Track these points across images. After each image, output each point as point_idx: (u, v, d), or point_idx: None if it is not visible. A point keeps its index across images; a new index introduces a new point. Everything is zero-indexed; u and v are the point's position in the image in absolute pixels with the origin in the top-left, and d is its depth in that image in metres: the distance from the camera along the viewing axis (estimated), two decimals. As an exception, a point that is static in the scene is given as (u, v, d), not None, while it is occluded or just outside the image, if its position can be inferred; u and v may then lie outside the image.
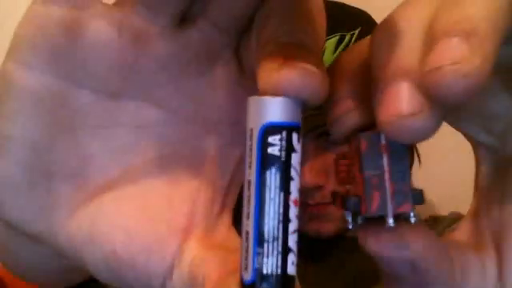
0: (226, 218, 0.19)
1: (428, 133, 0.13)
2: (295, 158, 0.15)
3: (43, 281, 0.31)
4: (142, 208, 0.17)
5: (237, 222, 0.17)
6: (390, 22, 0.15)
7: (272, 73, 0.15)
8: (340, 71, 0.17)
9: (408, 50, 0.14)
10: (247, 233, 0.15)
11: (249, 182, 0.15)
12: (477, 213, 0.20)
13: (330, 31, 0.59)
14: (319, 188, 0.57)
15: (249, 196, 0.15)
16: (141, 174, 0.18)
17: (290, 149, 0.15)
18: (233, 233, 0.19)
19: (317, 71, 0.15)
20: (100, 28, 0.16)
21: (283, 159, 0.15)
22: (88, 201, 0.17)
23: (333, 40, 0.58)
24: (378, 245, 0.16)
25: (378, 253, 0.16)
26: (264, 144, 0.15)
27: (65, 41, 0.16)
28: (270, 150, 0.15)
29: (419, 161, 0.69)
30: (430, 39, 0.13)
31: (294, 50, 0.15)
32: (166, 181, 0.18)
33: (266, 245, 0.15)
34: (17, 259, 0.23)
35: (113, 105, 0.17)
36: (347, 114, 0.16)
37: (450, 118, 0.19)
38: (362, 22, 0.62)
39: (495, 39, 0.13)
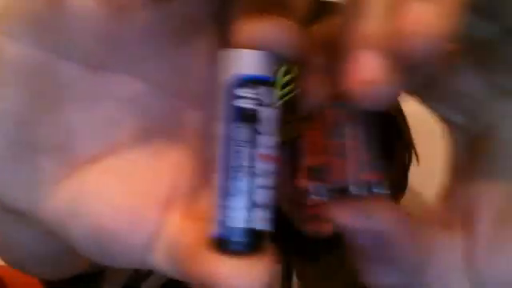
0: (209, 194, 0.19)
1: (390, 99, 0.13)
2: (265, 112, 0.15)
3: (31, 267, 0.30)
4: (126, 181, 0.17)
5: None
6: None
7: (245, 25, 0.15)
8: (311, 44, 0.17)
9: (372, 16, 0.14)
10: (214, 186, 0.15)
11: (217, 134, 0.15)
12: (448, 192, 0.20)
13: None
14: None
15: (216, 149, 0.15)
16: (125, 147, 0.18)
17: (259, 102, 0.15)
18: None
19: (292, 25, 0.15)
20: (82, 1, 0.16)
21: (252, 113, 0.15)
22: (73, 174, 0.17)
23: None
24: (344, 214, 0.16)
25: (344, 223, 0.16)
26: (233, 97, 0.15)
27: (48, 12, 0.16)
28: (238, 102, 0.15)
29: (417, 160, 0.69)
30: (393, 5, 0.13)
31: (269, 4, 0.15)
32: (150, 153, 0.18)
33: (231, 198, 0.15)
34: (5, 240, 0.23)
35: (98, 78, 0.17)
36: (316, 87, 0.16)
37: (423, 97, 0.20)
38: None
39: (459, 2, 0.13)
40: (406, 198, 0.71)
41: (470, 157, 0.19)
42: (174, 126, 0.18)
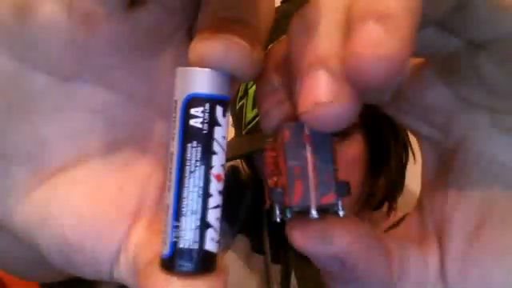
0: None
1: (345, 121, 0.13)
2: (219, 132, 0.15)
3: (20, 272, 0.31)
4: (94, 192, 0.17)
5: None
6: (305, 10, 0.15)
7: (198, 43, 0.15)
8: (270, 63, 0.17)
9: (323, 38, 0.14)
10: (167, 206, 0.15)
11: (171, 153, 0.15)
12: (422, 206, 0.20)
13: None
14: None
15: (170, 168, 0.15)
16: (95, 157, 0.18)
17: (213, 122, 0.14)
18: None
19: (244, 45, 0.14)
20: (50, 10, 0.16)
21: (205, 132, 0.14)
22: (43, 182, 0.17)
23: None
24: (301, 239, 0.16)
25: (301, 247, 0.16)
26: (186, 116, 0.14)
27: (15, 23, 0.16)
28: (192, 121, 0.14)
29: (414, 158, 0.69)
30: (347, 25, 0.13)
31: (227, 24, 0.15)
32: (118, 165, 0.18)
33: (183, 219, 0.14)
34: None
35: (67, 88, 0.17)
36: (275, 107, 0.16)
37: (391, 110, 0.19)
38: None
39: (411, 21, 0.12)
40: (404, 198, 0.71)
41: (443, 170, 0.19)
42: (142, 137, 0.19)
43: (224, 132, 0.15)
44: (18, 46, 0.16)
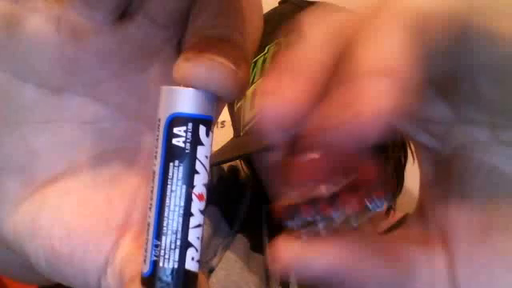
0: None
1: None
2: (202, 152, 0.15)
3: (15, 276, 0.31)
4: (83, 204, 0.18)
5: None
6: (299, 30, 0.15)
7: (181, 63, 0.15)
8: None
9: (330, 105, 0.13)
10: (149, 224, 0.15)
11: (154, 172, 0.15)
12: (423, 210, 0.19)
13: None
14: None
15: (152, 187, 0.15)
16: (84, 169, 0.18)
17: (196, 141, 0.15)
18: None
19: (228, 65, 0.15)
20: (38, 23, 0.16)
21: (188, 151, 0.14)
22: (32, 193, 0.17)
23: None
24: (281, 260, 0.16)
25: (284, 265, 0.16)
26: (169, 135, 0.14)
27: (5, 35, 0.16)
28: (174, 141, 0.14)
29: (413, 158, 0.69)
30: (350, 76, 0.13)
31: (213, 43, 0.15)
32: (107, 177, 0.18)
33: (164, 238, 0.14)
34: None
35: (57, 100, 0.17)
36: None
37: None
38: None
39: (414, 72, 0.13)
40: (403, 198, 0.71)
41: (442, 175, 0.19)
42: (131, 150, 0.19)
43: (207, 151, 0.15)
44: (7, 58, 0.16)
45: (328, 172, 0.15)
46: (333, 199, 0.15)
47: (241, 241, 0.67)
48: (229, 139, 0.68)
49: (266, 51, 0.61)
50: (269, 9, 0.68)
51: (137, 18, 0.17)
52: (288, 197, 0.15)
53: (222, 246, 0.65)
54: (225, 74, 0.15)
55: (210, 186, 0.15)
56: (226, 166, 0.75)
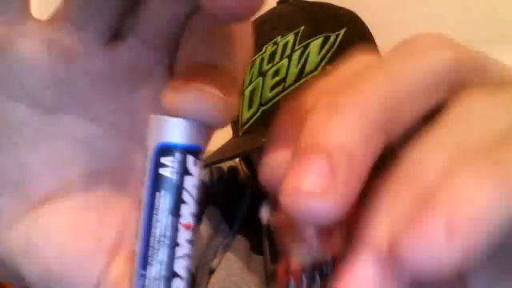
0: None
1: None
2: (189, 182, 0.15)
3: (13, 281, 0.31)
4: (75, 223, 0.18)
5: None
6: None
7: (169, 93, 0.15)
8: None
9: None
10: (135, 254, 0.15)
11: (140, 201, 0.15)
12: None
13: (315, 32, 0.59)
14: None
15: (139, 216, 0.15)
16: (77, 188, 0.18)
17: (183, 171, 0.14)
18: None
19: (216, 94, 0.14)
20: (29, 46, 0.16)
21: (175, 181, 0.14)
22: (26, 212, 0.18)
23: (317, 41, 0.58)
24: None
25: None
26: (156, 164, 0.14)
27: None
28: (161, 170, 0.14)
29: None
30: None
31: (201, 70, 0.15)
32: (100, 196, 0.18)
33: (150, 267, 0.14)
34: None
35: (49, 119, 0.17)
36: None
37: None
38: (347, 22, 0.62)
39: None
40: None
41: None
42: (124, 169, 0.19)
43: (195, 181, 0.15)
44: (1, 80, 0.16)
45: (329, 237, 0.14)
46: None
47: (241, 241, 0.67)
48: (228, 139, 0.67)
49: (263, 51, 0.61)
50: (267, 9, 0.68)
51: (128, 39, 0.17)
52: (292, 255, 0.15)
53: (222, 247, 0.65)
54: (213, 103, 0.14)
55: (199, 212, 0.15)
56: (225, 167, 0.75)
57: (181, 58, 0.17)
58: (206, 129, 0.15)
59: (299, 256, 0.15)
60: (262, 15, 0.66)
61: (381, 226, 0.13)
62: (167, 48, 0.18)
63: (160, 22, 0.17)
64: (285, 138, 0.15)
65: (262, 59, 0.60)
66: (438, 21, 0.89)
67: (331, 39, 0.58)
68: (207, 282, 0.61)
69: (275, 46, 0.60)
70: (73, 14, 0.17)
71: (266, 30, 0.62)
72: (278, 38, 0.60)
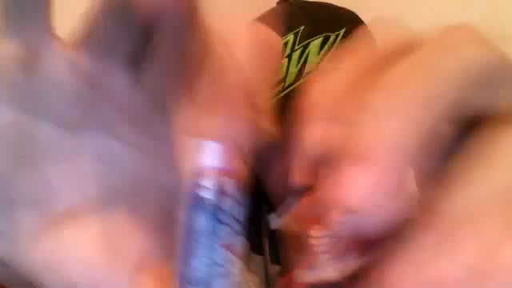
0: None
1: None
2: (228, 203, 0.15)
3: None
4: (100, 238, 0.18)
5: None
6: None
7: (201, 117, 0.15)
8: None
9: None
10: (175, 273, 0.15)
11: (180, 222, 0.15)
12: None
13: (315, 32, 0.59)
14: None
15: (180, 237, 0.15)
16: (101, 203, 0.18)
17: (221, 193, 0.15)
18: None
19: (247, 116, 0.15)
20: (53, 66, 0.16)
21: (214, 203, 0.15)
22: (49, 228, 0.18)
23: (317, 41, 0.58)
24: None
25: None
26: (194, 186, 0.15)
27: (21, 77, 0.16)
28: (200, 192, 0.15)
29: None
30: None
31: (230, 91, 0.15)
32: (124, 212, 0.18)
33: (190, 287, 0.15)
34: None
35: (73, 137, 0.17)
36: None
37: None
38: (347, 22, 0.62)
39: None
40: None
41: None
42: (148, 185, 0.19)
43: (233, 203, 0.15)
44: (23, 98, 0.17)
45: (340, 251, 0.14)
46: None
47: (241, 241, 0.67)
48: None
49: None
50: (267, 9, 0.68)
51: (150, 65, 0.17)
52: (299, 269, 0.15)
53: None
54: (245, 126, 0.15)
55: (242, 231, 0.15)
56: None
57: (206, 79, 0.17)
58: (243, 152, 0.16)
59: (307, 271, 0.15)
60: (261, 15, 0.66)
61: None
62: (190, 72, 0.18)
63: (178, 50, 0.17)
64: (319, 115, 0.15)
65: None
66: (438, 21, 0.89)
67: (331, 39, 0.59)
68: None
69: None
70: (94, 42, 0.17)
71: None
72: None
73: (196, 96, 0.18)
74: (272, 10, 0.68)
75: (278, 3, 0.69)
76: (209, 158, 0.15)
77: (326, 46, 0.58)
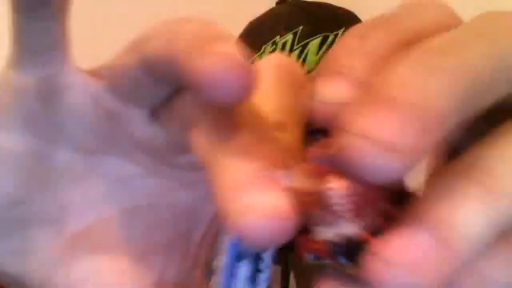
0: (198, 273, 0.19)
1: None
2: (262, 277, 0.15)
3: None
4: (115, 259, 0.18)
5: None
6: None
7: (224, 203, 0.11)
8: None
9: None
10: None
11: (217, 267, 0.15)
12: None
13: (313, 32, 0.59)
14: None
15: (217, 282, 0.15)
16: (116, 224, 0.18)
17: (257, 270, 0.15)
18: None
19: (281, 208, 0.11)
20: (75, 97, 0.16)
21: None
22: (64, 248, 0.18)
23: (316, 41, 0.58)
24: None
25: None
26: (233, 263, 0.15)
27: (41, 106, 0.16)
28: (237, 269, 0.15)
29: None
30: None
31: (253, 151, 0.12)
32: (140, 232, 0.18)
33: None
34: None
35: (90, 161, 0.18)
36: None
37: None
38: (346, 22, 0.62)
39: None
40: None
41: None
42: (164, 206, 0.19)
43: (266, 275, 0.15)
44: (42, 126, 0.17)
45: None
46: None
47: (240, 242, 0.67)
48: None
49: (262, 51, 0.61)
50: (266, 9, 0.68)
51: (170, 114, 0.17)
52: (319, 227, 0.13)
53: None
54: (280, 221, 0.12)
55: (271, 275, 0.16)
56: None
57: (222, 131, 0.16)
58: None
59: (327, 228, 0.13)
60: (261, 15, 0.66)
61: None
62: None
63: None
64: (340, 72, 0.13)
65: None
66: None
67: (330, 39, 0.59)
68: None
69: (274, 46, 0.60)
70: (121, 86, 0.16)
71: (265, 29, 0.63)
72: (277, 37, 0.61)
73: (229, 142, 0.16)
74: (271, 10, 0.68)
75: (277, 3, 0.70)
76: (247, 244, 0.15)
77: (325, 46, 0.58)
